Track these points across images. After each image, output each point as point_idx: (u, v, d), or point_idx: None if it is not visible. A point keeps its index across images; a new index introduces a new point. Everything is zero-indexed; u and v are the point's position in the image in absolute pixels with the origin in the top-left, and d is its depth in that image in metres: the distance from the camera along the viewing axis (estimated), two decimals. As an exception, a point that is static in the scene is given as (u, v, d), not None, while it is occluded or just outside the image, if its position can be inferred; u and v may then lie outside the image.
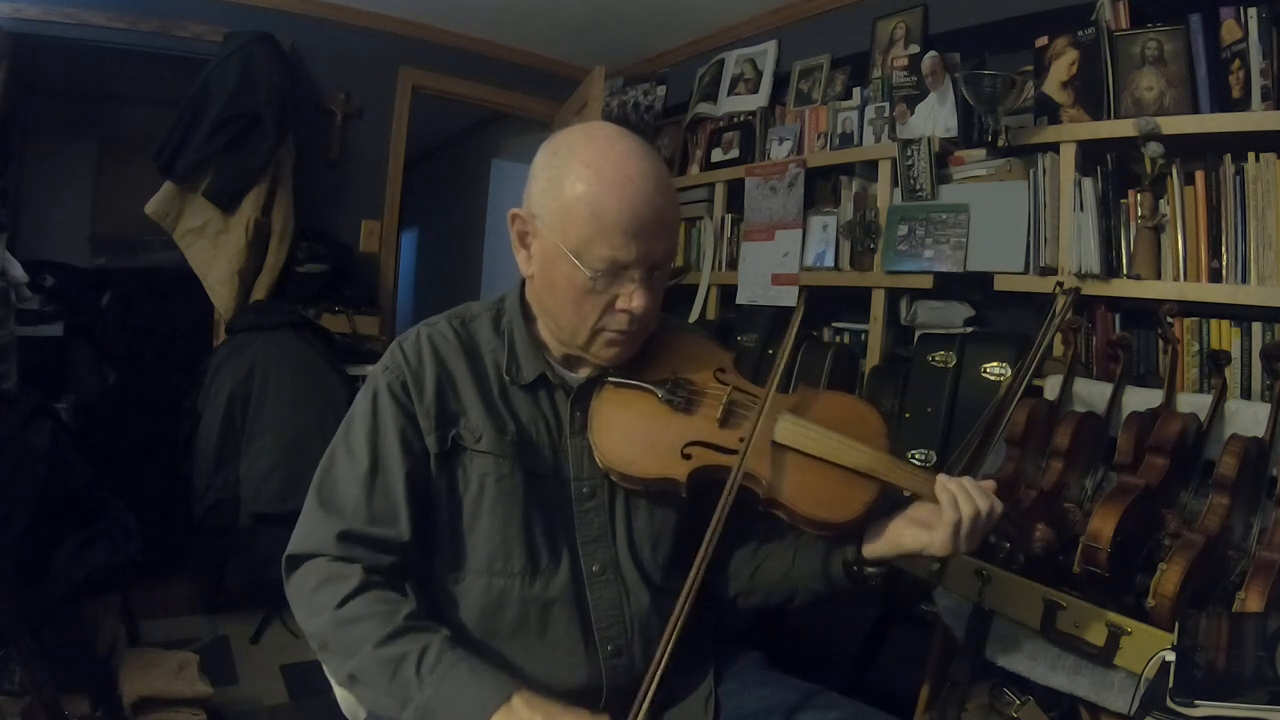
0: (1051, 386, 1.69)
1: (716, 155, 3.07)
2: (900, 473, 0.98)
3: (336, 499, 0.97)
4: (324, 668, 0.97)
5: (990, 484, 0.97)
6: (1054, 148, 1.99)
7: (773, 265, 2.70)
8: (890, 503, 1.01)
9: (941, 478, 0.96)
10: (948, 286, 2.25)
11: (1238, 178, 1.70)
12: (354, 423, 1.00)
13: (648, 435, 1.00)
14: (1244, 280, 1.69)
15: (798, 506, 0.98)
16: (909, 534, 0.97)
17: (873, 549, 1.00)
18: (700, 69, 3.30)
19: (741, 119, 3.02)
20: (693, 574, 0.91)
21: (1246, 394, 1.67)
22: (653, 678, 0.85)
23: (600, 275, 0.93)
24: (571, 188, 0.92)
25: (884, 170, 2.42)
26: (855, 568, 1.01)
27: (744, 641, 1.18)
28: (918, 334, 2.30)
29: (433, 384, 1.00)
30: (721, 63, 3.19)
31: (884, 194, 2.42)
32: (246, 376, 2.72)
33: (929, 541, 0.95)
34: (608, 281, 0.94)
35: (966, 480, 0.96)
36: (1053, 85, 2.02)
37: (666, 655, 0.86)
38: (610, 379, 1.03)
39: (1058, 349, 1.85)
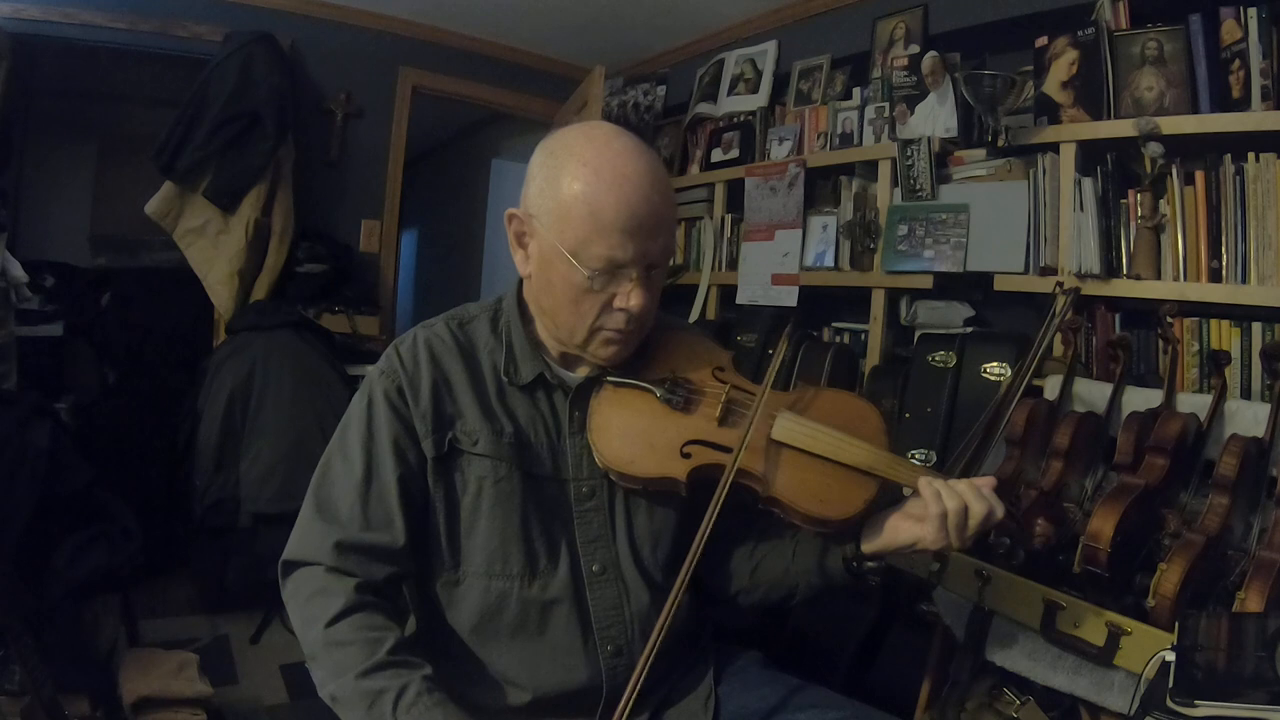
0: (1051, 386, 1.69)
1: (716, 155, 3.06)
2: (899, 469, 0.98)
3: (332, 506, 0.96)
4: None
5: (989, 480, 0.96)
6: (1054, 148, 1.99)
7: (773, 265, 2.70)
8: (890, 499, 1.01)
9: (924, 475, 0.96)
10: (948, 286, 2.25)
11: (1238, 178, 1.70)
12: (349, 428, 1.00)
13: (646, 434, 1.00)
14: (1244, 280, 1.69)
15: (796, 504, 0.98)
16: (903, 528, 0.97)
17: (870, 544, 1.00)
18: (700, 69, 3.30)
19: (741, 119, 3.02)
20: (683, 572, 0.91)
21: (1246, 394, 1.67)
22: (640, 674, 0.86)
23: (597, 275, 0.93)
24: (569, 187, 0.91)
25: (884, 170, 2.42)
26: (854, 563, 1.01)
27: (744, 640, 1.18)
28: (918, 334, 2.29)
29: (429, 388, 0.99)
30: (721, 63, 3.18)
31: (884, 194, 2.42)
32: (247, 377, 2.72)
33: (921, 535, 0.95)
34: (605, 281, 0.94)
35: (957, 481, 0.95)
36: (1053, 85, 2.02)
37: (654, 650, 0.87)
38: (609, 378, 1.03)
39: (1058, 349, 1.85)
